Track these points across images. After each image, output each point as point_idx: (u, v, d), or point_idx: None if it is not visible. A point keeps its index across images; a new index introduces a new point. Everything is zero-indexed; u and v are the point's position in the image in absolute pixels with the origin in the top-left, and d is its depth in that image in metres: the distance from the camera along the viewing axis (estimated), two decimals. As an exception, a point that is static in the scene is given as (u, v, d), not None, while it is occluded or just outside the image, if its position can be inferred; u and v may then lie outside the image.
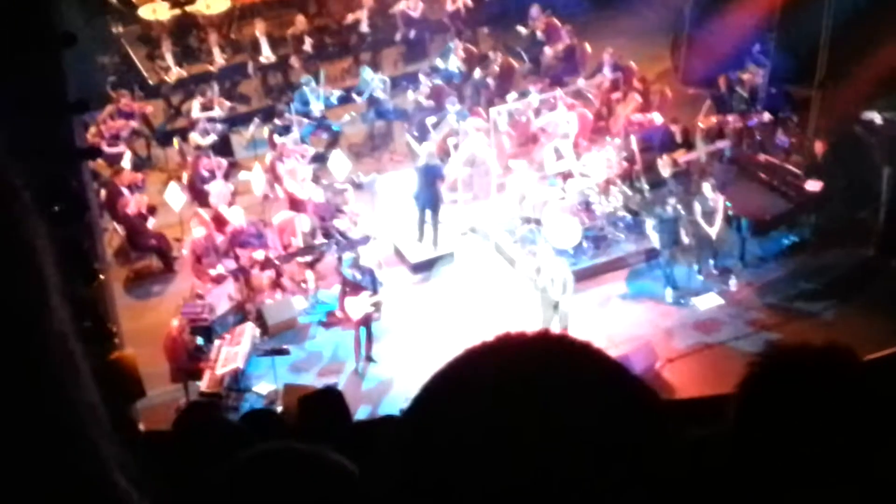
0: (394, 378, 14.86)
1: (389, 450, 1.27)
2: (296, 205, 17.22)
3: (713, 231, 16.27)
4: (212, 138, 18.65)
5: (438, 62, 20.75)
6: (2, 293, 1.09)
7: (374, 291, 15.41)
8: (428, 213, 16.99)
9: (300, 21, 21.13)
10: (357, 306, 15.15)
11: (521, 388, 1.24)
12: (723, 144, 18.30)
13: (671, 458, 1.28)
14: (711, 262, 16.51)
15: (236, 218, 16.75)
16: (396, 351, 15.31)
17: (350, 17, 21.84)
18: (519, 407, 1.22)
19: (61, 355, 1.14)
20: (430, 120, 18.95)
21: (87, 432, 1.13)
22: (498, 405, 1.22)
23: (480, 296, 16.10)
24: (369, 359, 15.26)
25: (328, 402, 6.59)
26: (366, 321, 15.21)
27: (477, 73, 20.35)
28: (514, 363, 1.27)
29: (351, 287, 15.31)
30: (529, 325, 15.15)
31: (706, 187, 16.43)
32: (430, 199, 16.95)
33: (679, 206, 16.15)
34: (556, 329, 15.02)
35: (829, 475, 1.84)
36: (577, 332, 15.31)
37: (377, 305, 15.51)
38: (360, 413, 14.31)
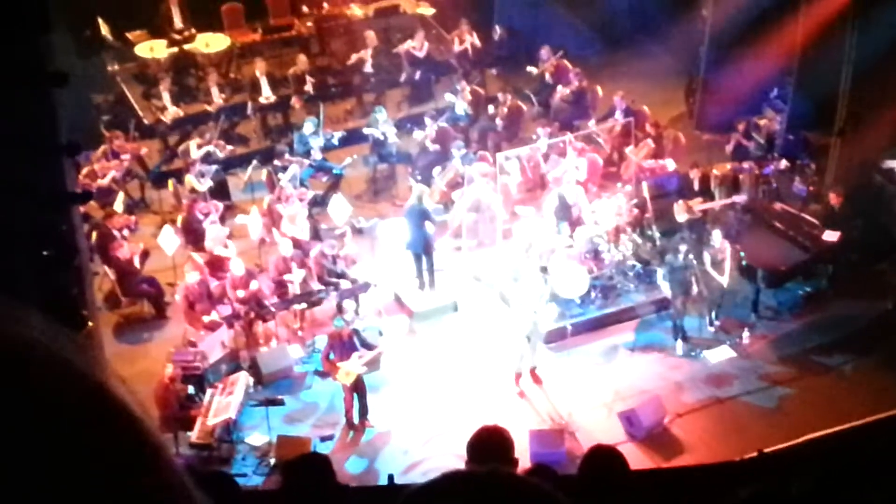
0: (391, 431, 15.10)
1: None
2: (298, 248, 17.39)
3: (724, 279, 16.53)
4: (208, 181, 18.93)
5: (449, 96, 20.94)
6: None
7: (367, 349, 15.32)
8: (422, 258, 17.25)
9: (302, 61, 21.47)
10: (348, 371, 15.06)
11: None
12: (739, 199, 18.49)
13: None
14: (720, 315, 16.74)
15: (236, 266, 16.79)
16: (395, 403, 15.51)
17: (353, 57, 22.11)
18: None
19: None
20: (436, 170, 19.26)
21: None
22: None
23: (483, 346, 16.38)
24: (364, 417, 15.24)
25: (313, 468, 6.68)
26: (357, 385, 15.16)
27: (487, 113, 20.69)
28: None
29: (339, 348, 15.16)
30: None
31: (715, 235, 16.74)
32: (419, 242, 17.21)
33: (690, 255, 16.36)
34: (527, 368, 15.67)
35: None
36: (582, 386, 15.68)
37: (373, 363, 15.48)
38: (355, 466, 14.59)
